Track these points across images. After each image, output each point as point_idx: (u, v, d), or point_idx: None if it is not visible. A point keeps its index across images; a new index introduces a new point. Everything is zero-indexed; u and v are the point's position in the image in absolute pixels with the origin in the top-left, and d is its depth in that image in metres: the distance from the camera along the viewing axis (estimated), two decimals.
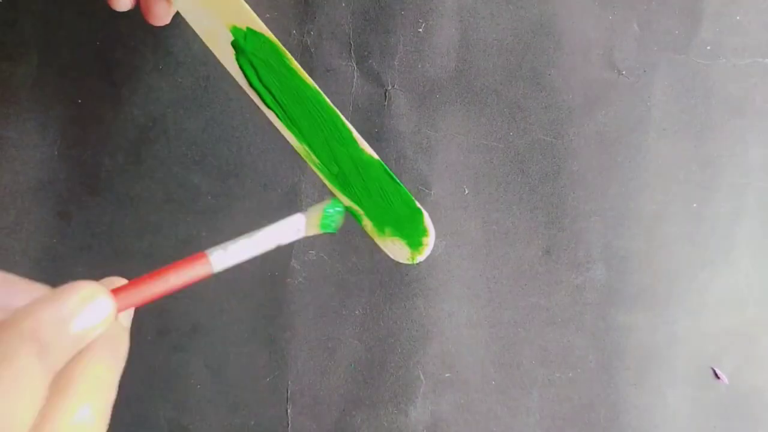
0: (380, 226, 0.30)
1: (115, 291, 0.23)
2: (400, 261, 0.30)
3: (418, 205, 0.30)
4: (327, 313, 0.37)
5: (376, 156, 0.30)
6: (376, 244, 0.30)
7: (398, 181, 0.30)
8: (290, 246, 0.37)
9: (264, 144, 0.34)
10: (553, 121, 0.36)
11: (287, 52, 0.30)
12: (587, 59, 0.36)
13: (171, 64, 0.36)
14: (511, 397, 0.36)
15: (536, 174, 0.37)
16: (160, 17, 0.30)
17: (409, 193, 0.30)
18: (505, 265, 0.37)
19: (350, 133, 0.30)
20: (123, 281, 0.24)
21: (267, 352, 0.37)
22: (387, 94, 0.36)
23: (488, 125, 0.36)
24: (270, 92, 0.30)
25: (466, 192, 0.37)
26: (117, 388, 0.22)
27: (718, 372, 0.37)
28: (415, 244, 0.30)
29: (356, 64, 0.36)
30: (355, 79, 0.36)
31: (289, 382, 0.36)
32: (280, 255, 0.37)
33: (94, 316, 0.21)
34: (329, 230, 0.29)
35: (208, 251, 0.25)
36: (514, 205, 0.37)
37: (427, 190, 0.36)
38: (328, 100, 0.30)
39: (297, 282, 0.37)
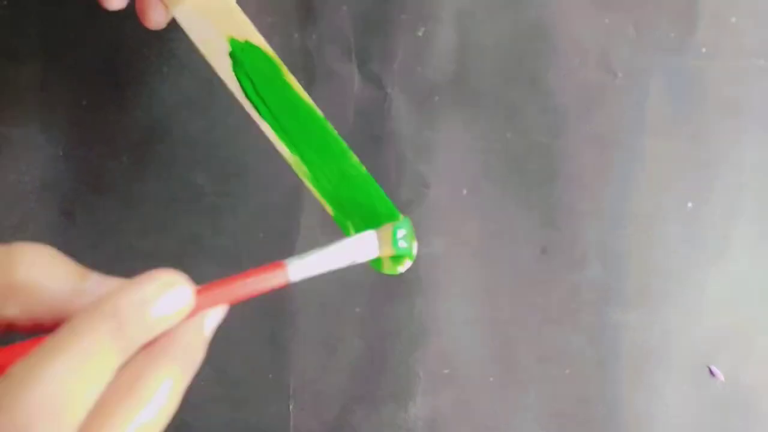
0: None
1: (202, 289, 0.24)
2: (384, 271, 0.30)
3: (411, 223, 0.30)
4: (328, 311, 0.37)
5: (366, 171, 0.30)
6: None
7: (386, 196, 0.30)
8: (292, 244, 0.37)
9: (267, 145, 0.34)
10: (550, 123, 0.37)
11: (284, 65, 0.30)
12: (583, 62, 0.36)
13: (175, 67, 0.36)
14: (509, 393, 0.37)
15: (534, 175, 0.37)
16: (156, 22, 0.30)
17: (396, 210, 0.30)
18: (503, 264, 0.37)
19: (342, 146, 0.30)
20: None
21: (269, 350, 0.37)
22: (387, 97, 0.37)
23: (486, 127, 0.37)
24: (265, 104, 0.30)
25: (465, 193, 0.37)
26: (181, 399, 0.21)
27: (714, 370, 0.37)
28: (397, 257, 0.30)
29: (357, 68, 0.37)
30: (355, 83, 0.37)
31: (291, 379, 0.37)
32: (283, 255, 0.37)
33: (174, 302, 0.21)
34: (403, 252, 0.29)
35: (286, 260, 0.26)
36: (512, 205, 0.37)
37: (426, 191, 0.37)
38: (321, 113, 0.30)
39: (299, 281, 0.37)
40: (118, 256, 0.37)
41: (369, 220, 0.30)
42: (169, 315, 0.21)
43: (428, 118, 0.37)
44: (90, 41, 0.35)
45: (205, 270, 0.37)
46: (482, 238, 0.37)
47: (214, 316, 0.24)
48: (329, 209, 0.31)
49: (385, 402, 0.37)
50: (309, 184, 0.31)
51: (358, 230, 0.30)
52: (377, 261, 0.30)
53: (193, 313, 0.22)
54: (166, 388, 0.20)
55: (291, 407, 0.37)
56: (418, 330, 0.37)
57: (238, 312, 0.37)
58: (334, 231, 0.37)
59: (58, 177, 0.36)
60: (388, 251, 0.29)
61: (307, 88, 0.36)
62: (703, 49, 0.37)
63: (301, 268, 0.26)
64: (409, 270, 0.36)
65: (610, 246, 0.37)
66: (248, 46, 0.30)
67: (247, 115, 0.36)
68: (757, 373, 0.37)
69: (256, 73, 0.30)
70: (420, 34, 0.36)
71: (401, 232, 0.29)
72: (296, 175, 0.37)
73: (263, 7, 0.36)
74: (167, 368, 0.21)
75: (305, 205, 0.36)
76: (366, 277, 0.36)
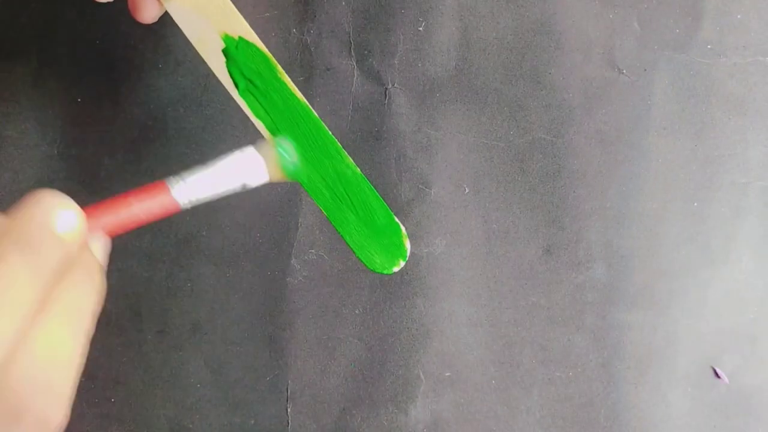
0: (360, 237, 0.31)
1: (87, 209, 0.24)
2: (378, 271, 0.31)
3: (397, 220, 0.31)
4: (327, 312, 0.37)
5: (359, 171, 0.31)
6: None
7: (380, 197, 0.31)
8: (290, 245, 0.36)
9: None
10: (554, 120, 0.36)
11: (278, 63, 0.30)
12: (588, 58, 0.36)
13: (171, 63, 0.36)
14: (512, 396, 0.36)
15: (536, 173, 0.36)
16: (148, 17, 0.30)
17: (389, 211, 0.31)
18: (506, 264, 0.37)
19: (336, 146, 0.31)
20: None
21: (267, 351, 0.37)
22: (387, 92, 0.36)
23: (488, 124, 0.36)
24: (258, 101, 0.30)
25: (467, 191, 0.37)
26: (95, 323, 0.22)
27: (719, 371, 0.37)
28: (391, 256, 0.31)
29: (356, 63, 0.36)
30: (355, 78, 0.36)
31: (289, 381, 0.36)
32: (280, 254, 0.37)
33: (70, 219, 0.21)
34: (289, 173, 0.29)
35: (166, 179, 0.26)
36: (515, 204, 0.37)
37: (427, 189, 0.36)
38: (315, 113, 0.30)
39: (297, 281, 0.37)
40: (114, 255, 0.36)
41: (365, 220, 0.31)
42: (71, 232, 0.21)
43: (429, 115, 0.36)
44: (85, 38, 0.35)
45: (202, 270, 0.37)
46: (484, 238, 0.36)
47: (103, 243, 0.25)
48: (323, 209, 0.31)
49: (385, 405, 0.36)
50: (302, 183, 0.31)
51: (351, 227, 0.31)
52: (369, 260, 0.31)
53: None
54: (72, 310, 0.21)
55: (289, 410, 0.36)
56: (418, 331, 0.36)
57: (236, 314, 0.37)
58: (332, 230, 0.37)
59: (53, 175, 0.36)
60: (276, 172, 0.29)
61: (306, 83, 0.36)
62: (709, 46, 0.36)
63: (185, 188, 0.26)
64: (409, 270, 0.36)
65: (614, 246, 0.36)
66: (242, 43, 0.30)
67: (244, 113, 0.35)
68: (762, 374, 0.37)
69: (249, 70, 0.30)
70: (421, 28, 0.36)
71: (284, 144, 0.29)
72: None
73: (261, 1, 0.36)
74: (70, 291, 0.21)
75: (303, 204, 0.36)
76: (366, 278, 0.36)
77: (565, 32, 0.36)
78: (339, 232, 0.31)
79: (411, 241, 0.35)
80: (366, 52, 0.36)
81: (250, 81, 0.30)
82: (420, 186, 0.36)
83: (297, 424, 0.36)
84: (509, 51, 0.36)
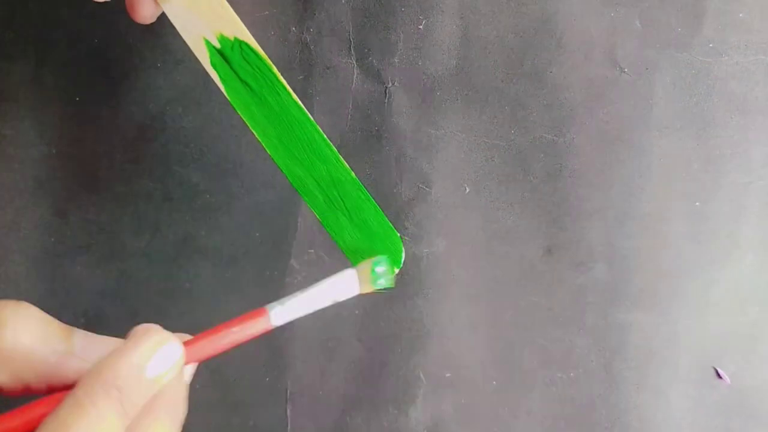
0: (354, 242, 0.31)
1: (188, 342, 0.24)
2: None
3: (394, 229, 0.31)
4: (326, 313, 0.37)
5: (354, 175, 0.30)
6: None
7: (376, 204, 0.30)
8: (289, 245, 0.36)
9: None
10: (555, 119, 0.36)
11: (272, 64, 0.30)
12: (589, 57, 0.36)
13: (169, 62, 0.36)
14: (512, 397, 0.36)
15: (537, 172, 0.36)
16: (145, 16, 0.30)
17: (384, 217, 0.30)
18: (506, 264, 0.36)
19: (331, 149, 0.30)
20: (188, 336, 0.25)
21: (266, 353, 0.36)
22: (387, 91, 0.36)
23: (489, 123, 0.36)
24: (251, 103, 0.30)
25: (467, 190, 0.37)
26: None
27: (720, 372, 0.37)
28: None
29: (356, 62, 0.36)
30: (354, 77, 0.36)
31: (289, 383, 0.36)
32: (280, 254, 0.36)
33: (166, 361, 0.22)
34: (384, 286, 0.29)
35: (267, 306, 0.26)
36: (515, 204, 0.36)
37: (427, 189, 0.36)
38: (310, 116, 0.30)
39: (296, 281, 0.36)
40: (112, 255, 0.37)
41: (359, 225, 0.31)
42: (164, 373, 0.22)
43: (429, 114, 0.36)
44: (83, 37, 0.35)
45: (200, 270, 0.37)
46: (485, 238, 0.36)
47: (193, 366, 0.25)
48: (316, 213, 0.31)
49: (385, 406, 0.36)
50: (294, 185, 0.31)
51: (348, 238, 0.31)
52: (358, 258, 0.31)
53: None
54: None
55: (289, 411, 0.36)
56: (418, 332, 0.36)
57: (235, 313, 0.36)
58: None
59: (51, 175, 0.36)
60: (368, 288, 0.29)
61: (305, 82, 0.36)
62: (711, 45, 0.36)
63: (282, 313, 0.27)
64: (409, 270, 0.36)
65: (615, 246, 0.36)
66: (237, 44, 0.30)
67: None
68: (763, 375, 0.37)
69: (244, 72, 0.30)
70: (421, 27, 0.36)
71: (380, 269, 0.29)
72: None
73: None
74: (162, 425, 0.22)
75: (302, 204, 0.36)
76: None
77: (566, 31, 0.36)
78: (332, 237, 0.31)
79: (411, 241, 0.35)
80: (366, 50, 0.36)
81: (245, 83, 0.30)
82: (420, 185, 0.36)
83: (296, 425, 0.36)
84: (510, 50, 0.36)
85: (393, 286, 0.29)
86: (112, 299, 0.36)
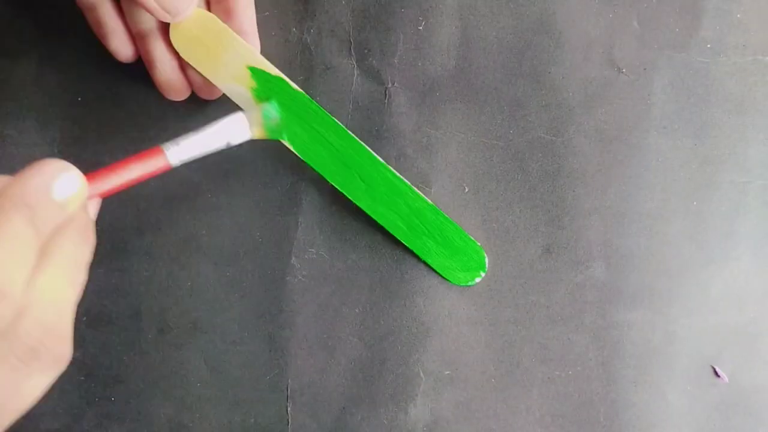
0: (442, 258, 0.35)
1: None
2: (460, 283, 0.36)
3: (475, 240, 0.35)
4: (327, 311, 0.37)
5: (430, 202, 0.34)
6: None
7: (452, 221, 0.35)
8: (290, 244, 0.36)
9: (264, 142, 0.34)
10: (553, 119, 0.36)
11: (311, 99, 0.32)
12: (587, 57, 0.36)
13: None
14: (511, 394, 0.36)
15: (536, 172, 0.36)
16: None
17: (464, 232, 0.35)
18: (505, 263, 0.36)
19: (404, 184, 0.34)
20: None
21: (267, 350, 0.36)
22: (387, 92, 0.36)
23: (488, 123, 0.36)
24: (313, 146, 0.33)
25: (466, 190, 0.37)
26: (86, 274, 0.25)
27: (718, 370, 0.37)
28: (472, 270, 0.36)
29: (356, 62, 0.36)
30: (355, 77, 0.36)
31: (289, 380, 0.36)
32: (280, 253, 0.37)
33: (70, 185, 0.23)
34: (273, 134, 0.32)
35: (163, 145, 0.29)
36: (514, 203, 0.36)
37: (427, 188, 0.36)
38: (379, 158, 0.33)
39: (296, 280, 0.36)
40: (115, 254, 0.37)
41: (443, 244, 0.35)
42: (70, 199, 0.23)
43: (429, 114, 0.36)
44: (85, 37, 0.35)
45: (202, 269, 0.37)
46: (484, 237, 0.36)
47: (96, 203, 0.28)
48: (406, 243, 0.35)
49: (384, 404, 0.36)
50: (380, 222, 0.35)
51: (436, 256, 0.35)
52: (453, 276, 0.35)
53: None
54: (68, 261, 0.24)
55: (289, 409, 0.36)
56: (418, 330, 0.36)
57: (236, 313, 0.37)
58: (333, 229, 0.37)
59: None
60: (260, 132, 0.32)
61: (306, 83, 0.36)
62: (708, 45, 0.36)
63: (179, 151, 0.29)
64: (409, 269, 0.36)
65: (614, 245, 0.36)
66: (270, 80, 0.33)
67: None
68: (762, 373, 0.37)
69: (293, 120, 0.33)
70: (421, 27, 0.36)
71: (270, 113, 0.32)
72: (294, 174, 0.36)
73: (261, 0, 0.35)
74: (65, 244, 0.24)
75: (303, 204, 0.36)
76: (365, 277, 0.36)
77: (564, 31, 0.36)
78: (421, 258, 0.35)
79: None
80: (366, 51, 0.36)
81: (299, 135, 0.33)
82: (420, 185, 0.36)
83: (297, 422, 0.36)
84: (509, 50, 0.36)
85: (277, 128, 0.32)
86: (114, 298, 0.37)
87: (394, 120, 0.36)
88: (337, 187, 0.34)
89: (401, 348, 0.36)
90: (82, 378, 0.36)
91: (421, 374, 0.36)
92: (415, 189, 0.34)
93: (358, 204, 0.34)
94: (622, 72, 0.36)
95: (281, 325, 0.37)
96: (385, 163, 0.34)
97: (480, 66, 0.36)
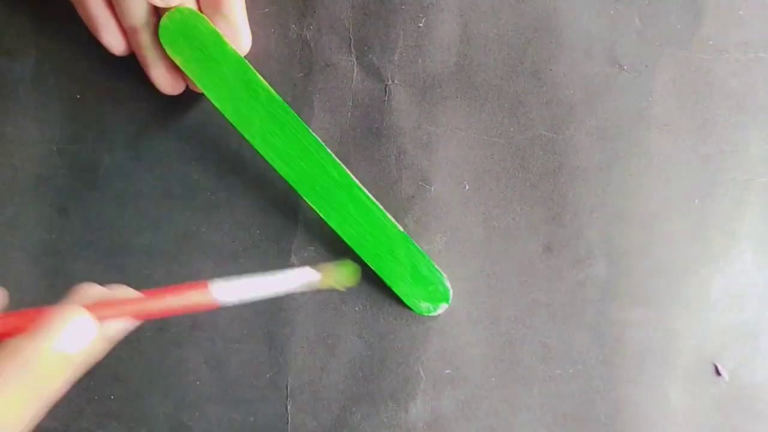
0: (406, 286, 0.35)
1: (111, 303, 0.25)
2: (422, 314, 0.36)
3: (440, 271, 0.35)
4: (326, 310, 0.37)
5: (402, 230, 0.34)
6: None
7: (422, 251, 0.35)
8: (289, 242, 0.36)
9: None
10: (554, 117, 0.36)
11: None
12: (588, 54, 0.36)
13: None
14: (512, 393, 0.36)
15: (537, 170, 0.36)
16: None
17: (431, 262, 0.35)
18: (506, 261, 0.36)
19: (382, 215, 0.34)
20: (130, 290, 0.26)
21: (267, 349, 0.36)
22: (387, 89, 0.36)
23: (489, 121, 0.36)
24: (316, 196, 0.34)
25: (467, 188, 0.36)
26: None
27: (719, 368, 0.37)
28: (435, 300, 0.36)
29: (356, 59, 0.36)
30: (354, 74, 0.36)
31: (289, 379, 0.36)
32: (280, 252, 0.37)
33: (78, 338, 0.23)
34: (344, 285, 0.31)
35: (210, 281, 0.26)
36: (515, 201, 0.36)
37: (427, 186, 0.36)
38: (364, 190, 0.34)
39: None
40: (113, 252, 0.37)
41: (410, 272, 0.35)
42: (77, 351, 0.23)
43: (429, 112, 0.36)
44: (83, 34, 0.35)
45: (200, 266, 0.37)
46: (484, 235, 0.36)
47: (123, 326, 0.27)
48: (373, 267, 0.35)
49: (384, 402, 0.36)
50: (351, 245, 0.35)
51: (401, 283, 0.35)
52: (416, 305, 0.36)
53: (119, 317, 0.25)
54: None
55: (289, 408, 0.36)
56: (418, 329, 0.36)
57: (235, 311, 0.37)
58: (333, 228, 0.36)
59: (52, 172, 0.37)
60: (331, 282, 0.30)
61: (305, 80, 0.36)
62: (710, 42, 0.36)
63: (226, 290, 0.26)
64: None
65: (614, 243, 0.36)
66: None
67: None
68: (763, 371, 0.37)
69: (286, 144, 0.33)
70: (421, 24, 0.36)
71: (343, 273, 0.30)
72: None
73: None
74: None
75: (303, 201, 0.36)
76: (365, 276, 0.36)
77: (565, 28, 0.36)
78: (387, 283, 0.35)
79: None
80: (366, 48, 0.36)
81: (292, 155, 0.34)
82: (420, 183, 0.36)
83: (297, 421, 0.36)
84: (510, 47, 0.36)
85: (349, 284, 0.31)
86: None
87: (395, 117, 0.36)
88: (309, 202, 0.34)
89: (401, 346, 0.36)
90: (82, 376, 0.36)
91: (422, 373, 0.36)
92: (388, 215, 0.34)
93: (328, 222, 0.34)
94: (624, 69, 0.36)
95: (281, 323, 0.37)
96: (362, 187, 0.34)
97: (480, 63, 0.36)
